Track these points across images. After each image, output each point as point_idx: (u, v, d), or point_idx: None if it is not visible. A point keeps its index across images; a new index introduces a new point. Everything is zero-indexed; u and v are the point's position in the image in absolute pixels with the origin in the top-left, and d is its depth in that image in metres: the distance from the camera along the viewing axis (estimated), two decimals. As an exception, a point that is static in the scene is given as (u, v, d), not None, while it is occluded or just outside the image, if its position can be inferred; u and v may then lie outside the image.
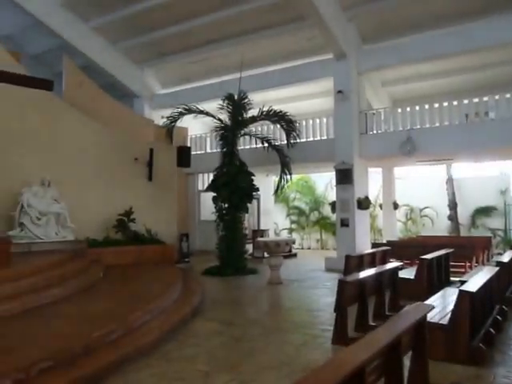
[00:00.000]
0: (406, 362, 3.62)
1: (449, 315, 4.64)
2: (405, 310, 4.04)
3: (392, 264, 7.30)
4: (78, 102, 11.62)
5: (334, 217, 14.18)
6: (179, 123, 12.85)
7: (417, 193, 16.88)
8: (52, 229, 9.46)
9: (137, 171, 11.92)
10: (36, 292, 6.08)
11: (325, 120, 13.66)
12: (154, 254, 11.03)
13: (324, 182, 18.16)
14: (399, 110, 12.50)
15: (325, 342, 5.24)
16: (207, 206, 14.13)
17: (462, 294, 4.58)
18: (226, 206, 11.29)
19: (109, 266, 9.29)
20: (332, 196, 14.23)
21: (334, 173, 12.33)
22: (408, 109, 12.18)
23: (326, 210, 17.22)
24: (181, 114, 12.33)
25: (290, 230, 19.03)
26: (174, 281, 8.14)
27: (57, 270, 7.26)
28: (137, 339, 4.97)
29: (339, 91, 12.08)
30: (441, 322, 4.60)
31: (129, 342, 4.83)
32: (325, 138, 13.52)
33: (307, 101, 15.58)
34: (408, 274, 8.13)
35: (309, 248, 18.45)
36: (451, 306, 4.74)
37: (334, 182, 12.65)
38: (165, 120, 12.92)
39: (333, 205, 13.07)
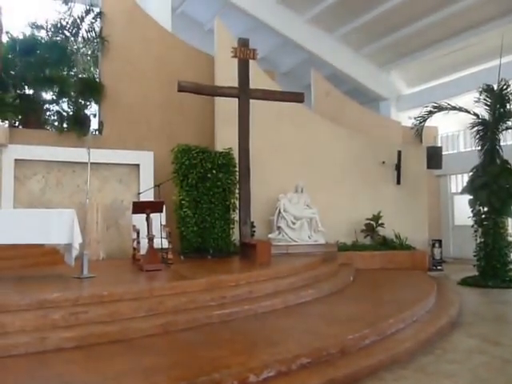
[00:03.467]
0: None
1: None
2: None
3: None
4: (326, 111, 12.13)
5: None
6: (428, 122, 12.15)
7: None
8: (305, 232, 10.00)
9: (384, 175, 11.73)
10: (294, 291, 6.43)
11: None
12: (403, 259, 10.65)
13: None
14: None
15: None
16: (462, 210, 12.99)
17: None
18: (485, 209, 10.15)
19: (358, 270, 9.32)
20: None
21: None
22: None
23: None
24: (430, 113, 11.63)
25: None
26: (427, 289, 7.64)
27: (311, 271, 7.61)
28: (391, 347, 4.78)
29: None
30: None
31: (382, 349, 4.67)
32: None
33: None
34: None
35: None
36: None
37: None
38: (413, 120, 12.40)
39: None
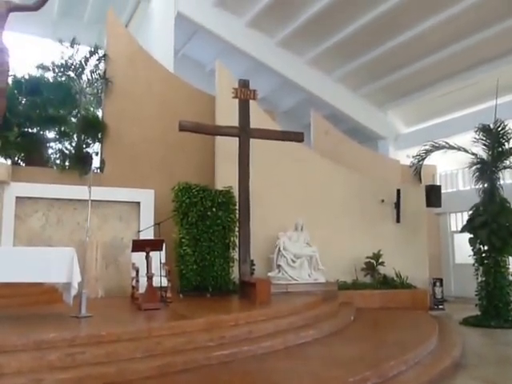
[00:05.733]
0: None
1: None
2: None
3: None
4: (326, 149, 12.28)
5: None
6: (427, 161, 12.28)
7: None
8: (305, 271, 9.93)
9: (384, 213, 11.75)
10: (294, 331, 6.36)
11: None
12: (404, 299, 10.54)
13: None
14: None
15: None
16: (463, 249, 12.94)
17: None
18: (486, 248, 10.13)
19: (358, 309, 9.22)
20: None
21: None
22: None
23: None
24: (428, 152, 11.77)
25: None
26: (429, 330, 7.55)
27: (311, 311, 7.53)
28: (393, 390, 4.70)
29: None
30: None
31: (384, 392, 4.60)
32: None
33: None
34: None
35: None
36: None
37: None
38: (411, 159, 12.53)
39: None
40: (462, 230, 11.06)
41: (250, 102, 9.43)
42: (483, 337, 8.67)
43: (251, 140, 9.30)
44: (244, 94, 9.31)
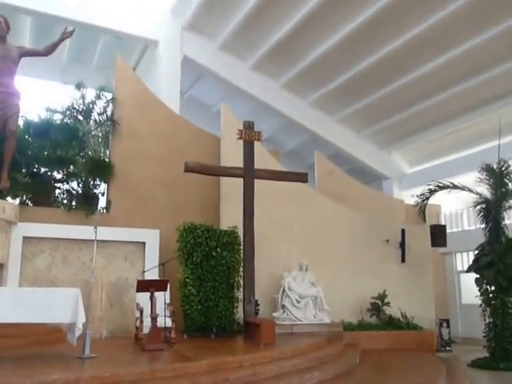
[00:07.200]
0: None
1: None
2: None
3: None
4: (330, 189, 12.38)
5: None
6: (431, 200, 12.34)
7: None
8: (310, 311, 9.86)
9: (388, 253, 11.72)
10: (298, 374, 6.27)
11: None
12: (410, 340, 10.39)
13: None
14: None
15: None
16: (469, 289, 12.81)
17: None
18: (493, 288, 10.04)
19: (364, 350, 9.10)
20: None
21: None
22: None
23: None
24: (432, 192, 11.84)
25: None
26: (436, 372, 7.43)
27: (316, 352, 7.44)
28: None
29: None
30: None
31: None
32: None
33: None
34: None
35: None
36: None
37: None
38: (416, 199, 12.59)
39: None
40: (468, 270, 10.98)
41: (255, 142, 9.61)
42: (492, 380, 8.51)
43: (256, 180, 9.43)
44: (249, 135, 9.50)
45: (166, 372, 5.36)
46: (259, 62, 15.43)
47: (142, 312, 7.40)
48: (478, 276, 10.30)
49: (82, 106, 11.05)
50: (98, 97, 11.11)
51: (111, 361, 6.06)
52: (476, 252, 10.69)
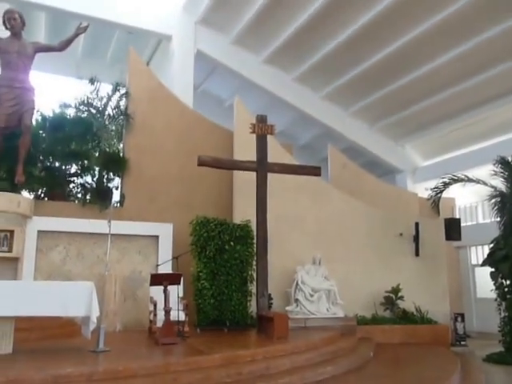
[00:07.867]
0: None
1: None
2: None
3: None
4: (343, 183, 12.32)
5: None
6: (445, 194, 12.23)
7: None
8: (323, 305, 9.84)
9: (402, 246, 11.63)
10: (311, 368, 6.27)
11: None
12: (425, 334, 10.32)
13: None
14: None
15: None
16: (484, 283, 12.68)
17: None
18: (508, 282, 9.93)
19: (377, 344, 9.05)
20: None
21: None
22: None
23: None
24: (446, 185, 11.73)
25: None
26: (451, 367, 7.37)
27: (329, 346, 7.43)
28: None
29: None
30: None
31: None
32: None
33: None
34: None
35: None
36: None
37: None
38: (429, 192, 12.47)
39: None
40: (483, 264, 10.89)
41: (268, 136, 9.58)
42: (508, 375, 8.42)
43: (269, 174, 9.41)
44: (262, 129, 9.46)
45: (179, 366, 5.40)
46: (272, 55, 15.37)
47: (155, 305, 7.44)
48: (493, 270, 10.20)
49: (96, 101, 11.12)
50: (115, 91, 11.17)
51: (125, 354, 6.12)
52: (491, 246, 10.58)
